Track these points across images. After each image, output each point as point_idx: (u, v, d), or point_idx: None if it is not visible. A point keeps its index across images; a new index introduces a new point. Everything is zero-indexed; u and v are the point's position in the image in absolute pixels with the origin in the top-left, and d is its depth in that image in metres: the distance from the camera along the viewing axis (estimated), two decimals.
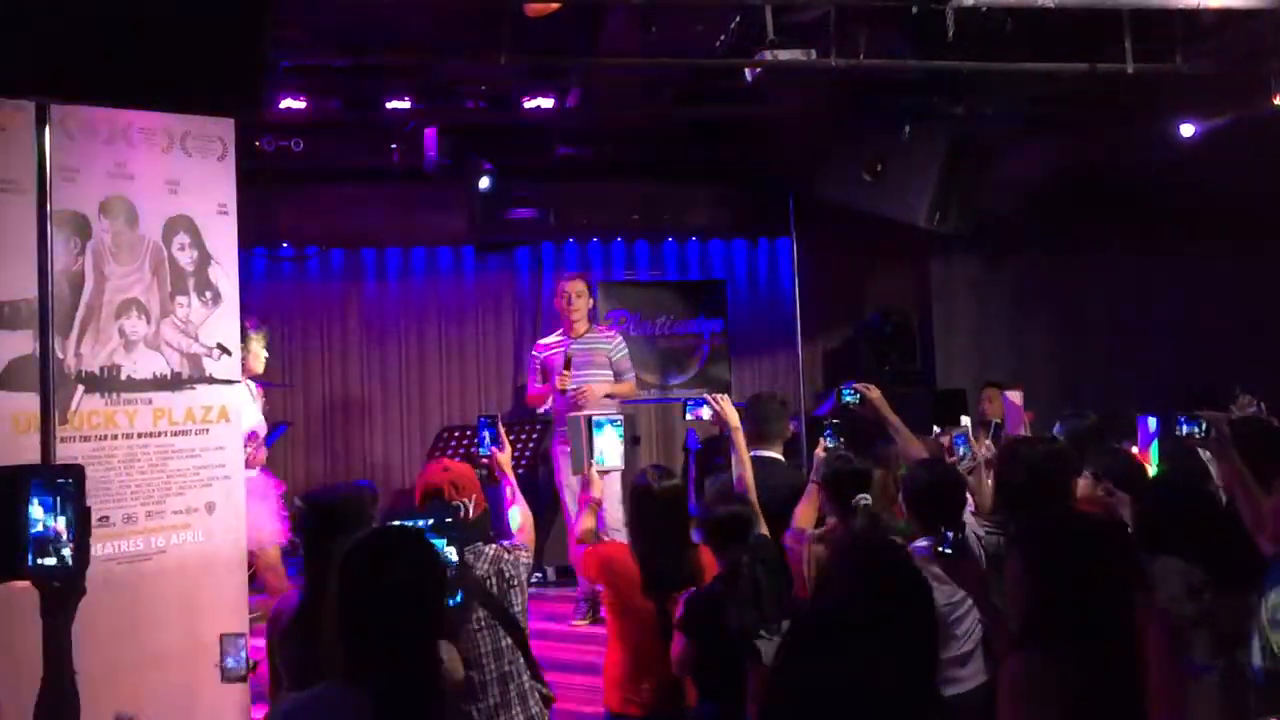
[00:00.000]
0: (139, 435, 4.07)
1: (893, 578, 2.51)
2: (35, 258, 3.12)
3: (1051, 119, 7.42)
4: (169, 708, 4.01)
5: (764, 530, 3.97)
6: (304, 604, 3.15)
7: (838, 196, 7.81)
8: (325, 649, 2.71)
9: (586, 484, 4.35)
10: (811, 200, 7.90)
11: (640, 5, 5.50)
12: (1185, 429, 4.14)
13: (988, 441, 5.84)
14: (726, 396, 4.80)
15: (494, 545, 3.55)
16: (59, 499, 2.38)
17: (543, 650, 4.78)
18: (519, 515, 3.80)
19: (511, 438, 4.72)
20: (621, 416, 4.68)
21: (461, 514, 3.36)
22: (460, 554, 3.35)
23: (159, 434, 4.13)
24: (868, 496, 4.91)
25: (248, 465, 4.96)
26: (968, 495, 4.20)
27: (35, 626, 2.41)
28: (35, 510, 2.36)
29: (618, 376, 7.03)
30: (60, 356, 3.78)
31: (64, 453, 3.57)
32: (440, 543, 3.13)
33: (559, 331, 7.20)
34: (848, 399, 5.02)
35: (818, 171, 7.93)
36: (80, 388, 3.92)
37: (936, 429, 4.37)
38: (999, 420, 7.66)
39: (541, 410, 7.39)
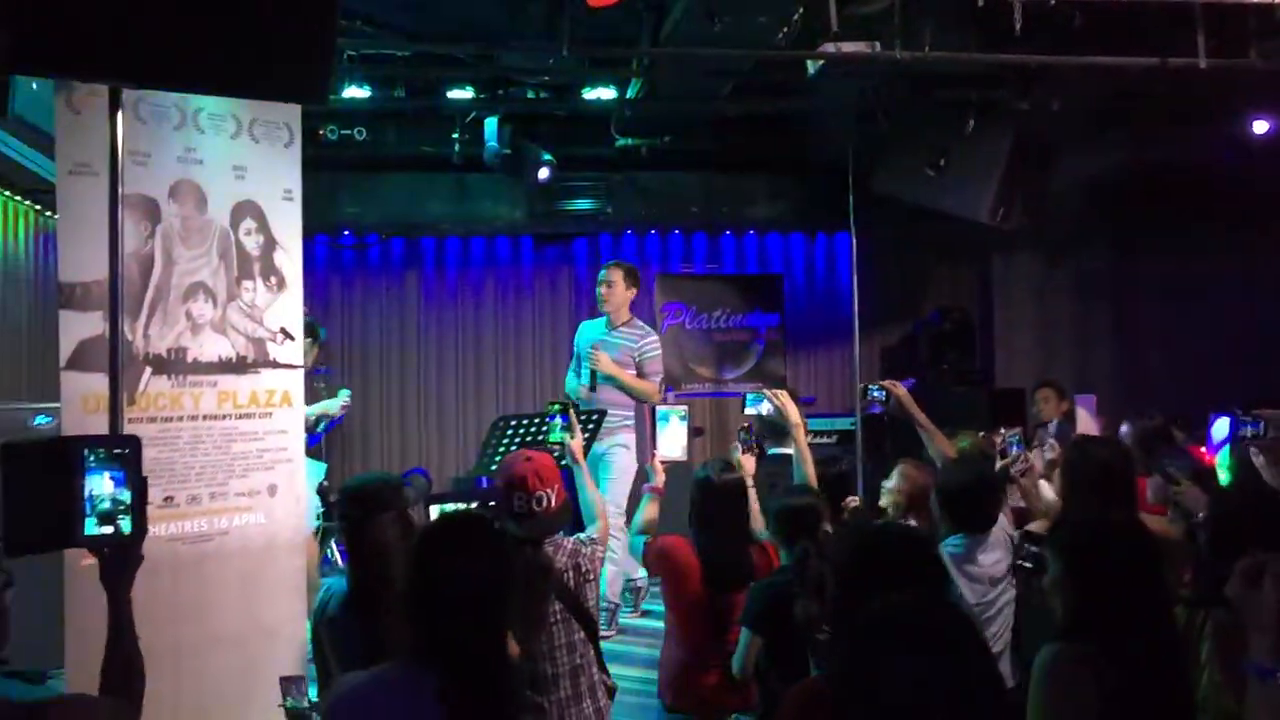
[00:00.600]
0: (204, 417, 4.11)
1: (904, 557, 2.50)
2: (106, 240, 3.15)
3: (1120, 115, 7.29)
4: (227, 690, 4.06)
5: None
6: (351, 590, 3.18)
7: (898, 191, 7.74)
8: (388, 632, 2.74)
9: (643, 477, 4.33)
10: (871, 195, 7.81)
11: None
12: (1245, 429, 4.10)
13: (1051, 442, 5.77)
14: (785, 392, 4.79)
15: (572, 539, 3.54)
16: (117, 469, 2.40)
17: None
18: (595, 507, 3.80)
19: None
20: (685, 408, 4.66)
21: (543, 504, 3.36)
22: (538, 545, 3.38)
23: (223, 417, 4.17)
24: (856, 499, 4.88)
25: None
26: (1005, 498, 4.15)
27: (101, 597, 2.45)
28: (93, 480, 2.39)
29: (640, 374, 6.74)
30: (129, 338, 3.82)
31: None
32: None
33: (602, 319, 6.98)
34: (875, 396, 5.00)
35: (878, 165, 7.87)
36: (148, 369, 3.97)
37: (1004, 430, 4.30)
38: (1059, 419, 7.55)
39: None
